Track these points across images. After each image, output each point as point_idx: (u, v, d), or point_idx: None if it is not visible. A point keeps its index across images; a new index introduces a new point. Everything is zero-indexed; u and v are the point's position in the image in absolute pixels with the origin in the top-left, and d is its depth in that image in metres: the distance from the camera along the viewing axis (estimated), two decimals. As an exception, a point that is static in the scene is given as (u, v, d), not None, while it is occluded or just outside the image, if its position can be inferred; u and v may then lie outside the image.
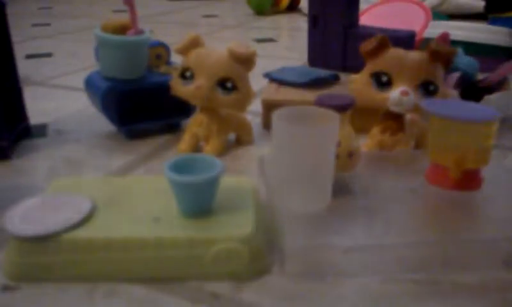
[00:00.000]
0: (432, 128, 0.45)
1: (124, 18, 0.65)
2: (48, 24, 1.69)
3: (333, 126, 0.41)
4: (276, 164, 0.43)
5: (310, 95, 0.68)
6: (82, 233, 0.39)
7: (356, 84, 0.55)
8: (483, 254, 0.40)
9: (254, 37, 1.42)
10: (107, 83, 0.63)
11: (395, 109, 0.53)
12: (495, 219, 0.43)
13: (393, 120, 0.55)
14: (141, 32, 0.63)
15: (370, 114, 0.57)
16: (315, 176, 0.42)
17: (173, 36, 1.43)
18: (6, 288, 0.38)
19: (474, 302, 0.36)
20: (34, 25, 1.68)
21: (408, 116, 0.57)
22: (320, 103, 0.45)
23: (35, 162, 0.61)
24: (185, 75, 0.58)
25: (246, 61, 0.57)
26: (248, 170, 0.58)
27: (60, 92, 0.90)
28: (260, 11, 1.84)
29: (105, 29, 0.62)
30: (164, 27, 1.62)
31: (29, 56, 1.20)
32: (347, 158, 0.45)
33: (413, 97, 0.52)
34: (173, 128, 0.69)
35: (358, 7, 1.01)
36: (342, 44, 0.98)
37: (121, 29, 0.63)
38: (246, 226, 0.39)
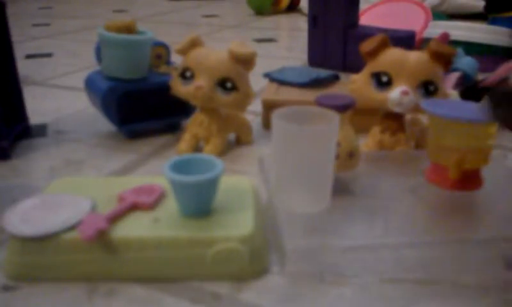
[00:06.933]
0: (432, 128, 0.45)
1: (125, 18, 0.65)
2: (48, 24, 1.69)
3: (333, 126, 0.41)
4: (276, 164, 0.43)
5: (310, 95, 0.68)
6: (82, 233, 0.38)
7: (356, 84, 0.55)
8: (483, 254, 0.40)
9: (254, 37, 1.42)
10: (108, 83, 0.63)
11: (395, 108, 0.53)
12: (495, 219, 0.43)
13: (393, 120, 0.55)
14: None
15: (370, 114, 0.57)
16: (315, 176, 0.42)
17: (173, 36, 1.43)
18: (6, 288, 0.38)
19: (474, 302, 0.36)
20: (34, 25, 1.68)
21: (408, 116, 0.57)
22: (320, 103, 0.45)
23: (35, 162, 0.61)
24: (185, 75, 0.58)
25: (246, 61, 0.57)
26: (248, 170, 0.58)
27: (60, 92, 0.90)
28: (260, 11, 1.84)
29: (108, 29, 0.62)
30: (164, 27, 1.62)
31: (29, 56, 1.20)
32: (347, 158, 0.45)
33: (413, 97, 0.52)
34: (173, 128, 0.69)
35: (358, 7, 1.01)
36: (342, 44, 0.98)
37: (125, 30, 0.63)
38: (246, 226, 0.39)
